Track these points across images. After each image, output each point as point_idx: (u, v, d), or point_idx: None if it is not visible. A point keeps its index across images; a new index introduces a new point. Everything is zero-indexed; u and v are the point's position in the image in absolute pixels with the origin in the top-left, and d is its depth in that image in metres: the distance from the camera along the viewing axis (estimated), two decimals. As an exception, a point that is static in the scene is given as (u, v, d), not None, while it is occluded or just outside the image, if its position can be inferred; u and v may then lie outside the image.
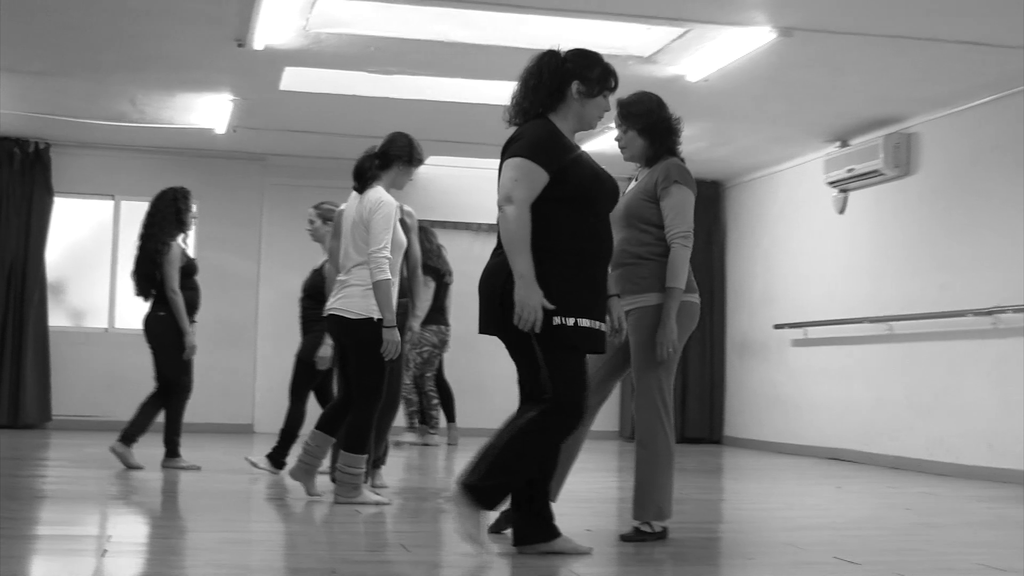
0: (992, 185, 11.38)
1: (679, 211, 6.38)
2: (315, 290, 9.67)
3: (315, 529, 6.82)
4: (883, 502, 9.21)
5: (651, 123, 6.55)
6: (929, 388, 12.06)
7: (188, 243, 10.61)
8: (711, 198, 16.54)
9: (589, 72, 5.83)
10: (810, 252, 14.36)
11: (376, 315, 7.43)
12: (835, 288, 13.62)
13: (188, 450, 10.24)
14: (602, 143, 13.99)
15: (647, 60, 10.55)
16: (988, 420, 11.19)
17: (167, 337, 9.91)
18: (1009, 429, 10.90)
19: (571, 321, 5.54)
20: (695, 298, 6.50)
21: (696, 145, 14.28)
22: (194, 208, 10.29)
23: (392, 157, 7.73)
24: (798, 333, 14.19)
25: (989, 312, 11.09)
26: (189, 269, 10.14)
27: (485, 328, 5.77)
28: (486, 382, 16.13)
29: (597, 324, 5.67)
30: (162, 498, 8.41)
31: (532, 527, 5.76)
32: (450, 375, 15.35)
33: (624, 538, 6.35)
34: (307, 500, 7.75)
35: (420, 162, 7.94)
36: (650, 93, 6.64)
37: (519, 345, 5.62)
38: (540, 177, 5.57)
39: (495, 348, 15.74)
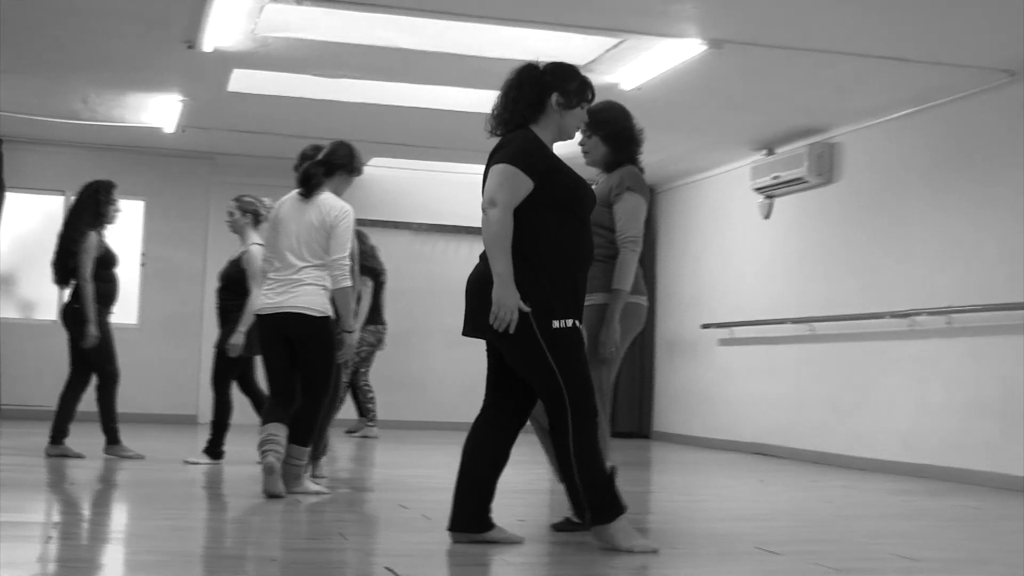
0: (910, 194, 11.48)
1: (630, 216, 6.42)
2: (232, 281, 9.61)
3: (256, 518, 6.78)
4: (804, 495, 9.26)
5: (615, 131, 6.59)
6: (849, 387, 12.16)
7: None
8: (643, 202, 16.60)
9: (568, 84, 5.87)
10: (737, 255, 14.44)
11: (332, 314, 7.47)
12: (760, 290, 13.70)
13: (133, 440, 10.18)
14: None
15: (584, 68, 10.50)
16: (905, 418, 11.29)
17: (86, 327, 9.80)
18: (925, 427, 11.01)
19: (569, 323, 5.60)
20: (642, 300, 6.56)
21: (629, 151, 14.32)
22: (117, 202, 10.11)
23: (336, 166, 7.76)
24: (725, 333, 14.26)
25: (906, 314, 11.18)
26: (107, 260, 9.98)
27: (478, 331, 5.75)
28: (422, 377, 16.17)
29: (580, 325, 5.72)
30: (106, 487, 8.34)
31: (469, 516, 5.77)
32: (387, 371, 15.37)
33: (556, 527, 6.38)
34: (249, 490, 7.72)
35: (360, 172, 7.98)
36: (618, 103, 6.68)
37: (532, 353, 5.60)
38: (524, 183, 5.60)
39: (429, 345, 15.69)
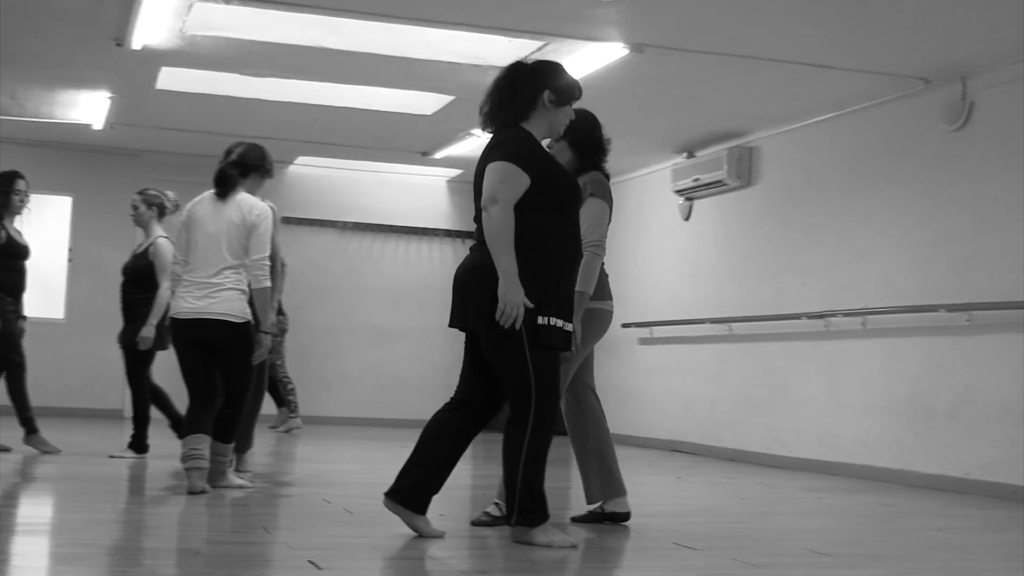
0: (826, 197, 11.56)
1: (594, 221, 6.42)
2: (139, 274, 9.51)
3: (179, 511, 6.71)
4: (720, 492, 9.30)
5: (582, 138, 6.58)
6: (765, 385, 12.23)
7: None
8: (566, 203, 16.65)
9: (558, 82, 5.88)
10: (657, 256, 14.48)
11: (251, 318, 7.39)
12: (679, 290, 13.75)
13: (60, 435, 10.07)
14: (462, 148, 14.01)
15: (508, 71, 10.56)
16: (819, 416, 11.37)
17: None
18: (838, 425, 11.09)
19: (556, 322, 5.61)
20: (607, 305, 6.61)
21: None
22: (24, 192, 9.92)
23: (250, 167, 7.72)
24: (644, 332, 14.29)
25: (821, 315, 11.26)
26: (11, 251, 9.80)
27: (465, 323, 5.74)
28: (345, 374, 16.12)
29: (570, 325, 5.73)
30: (28, 480, 8.22)
31: (412, 493, 5.80)
32: (310, 367, 15.31)
33: (474, 523, 6.41)
34: (173, 485, 7.65)
35: (271, 174, 7.96)
36: (588, 112, 6.65)
37: (510, 348, 5.58)
38: (523, 180, 5.60)
39: (354, 342, 15.58)
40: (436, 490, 5.87)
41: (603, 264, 6.51)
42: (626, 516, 6.61)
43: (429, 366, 16.36)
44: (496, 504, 6.40)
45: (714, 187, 13.13)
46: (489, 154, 5.72)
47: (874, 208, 10.92)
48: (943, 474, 9.80)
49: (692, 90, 11.10)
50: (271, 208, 7.67)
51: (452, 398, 5.97)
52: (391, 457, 11.20)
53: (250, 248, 7.32)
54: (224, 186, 7.46)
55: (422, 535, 5.75)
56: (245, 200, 7.44)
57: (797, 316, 11.59)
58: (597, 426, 6.68)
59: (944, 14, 8.60)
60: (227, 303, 7.26)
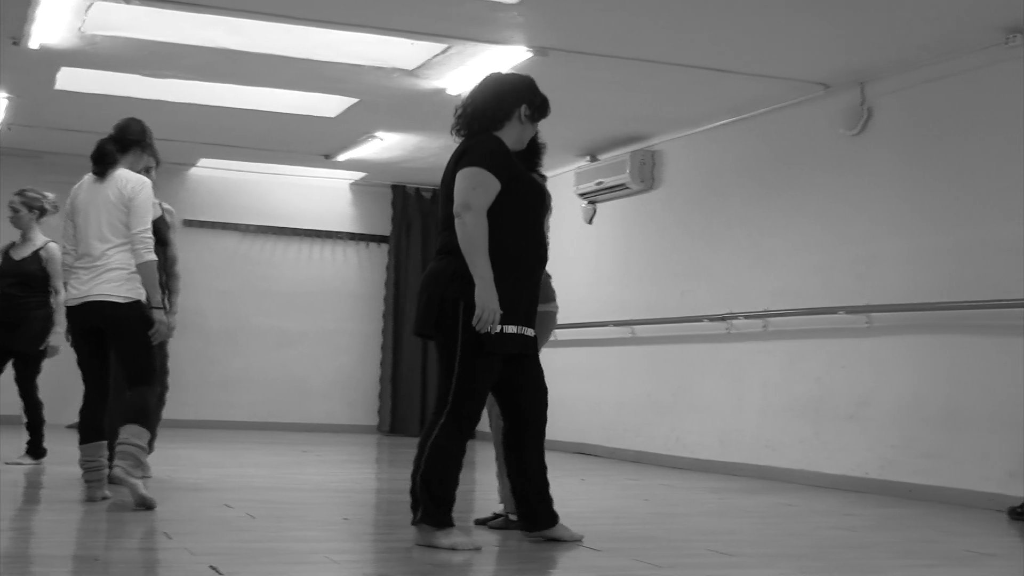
0: (728, 201, 11.65)
1: None
2: (31, 279, 9.37)
3: (78, 518, 6.61)
4: (624, 493, 9.33)
5: None
6: (668, 388, 12.30)
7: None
8: (470, 206, 16.65)
9: (534, 97, 5.98)
10: (561, 259, 14.44)
11: (142, 297, 7.03)
12: (583, 293, 13.79)
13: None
14: (365, 150, 13.96)
15: (411, 73, 10.54)
16: (721, 418, 11.46)
17: None
18: (740, 426, 11.18)
19: (512, 329, 5.65)
20: (552, 307, 6.60)
21: (456, 155, 14.32)
22: None
23: (130, 142, 7.43)
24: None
25: (723, 318, 11.35)
26: None
27: (422, 329, 5.73)
28: (247, 377, 16.00)
29: (529, 330, 5.80)
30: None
31: (534, 516, 5.99)
32: (212, 370, 15.20)
33: (492, 526, 6.52)
34: (71, 491, 7.53)
35: (153, 149, 7.71)
36: None
37: (447, 347, 5.62)
38: (494, 185, 5.62)
39: (256, 345, 15.45)
40: (538, 500, 6.01)
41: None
42: None
43: (332, 369, 16.30)
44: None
45: (617, 191, 13.19)
46: (459, 161, 5.72)
47: (775, 212, 11.02)
48: (843, 474, 9.91)
49: (595, 94, 11.14)
50: (160, 204, 7.44)
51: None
52: (293, 461, 11.17)
53: (130, 222, 7.01)
54: (102, 164, 7.20)
55: (562, 539, 5.98)
56: (120, 175, 7.15)
57: (699, 319, 11.68)
58: None
59: (843, 21, 8.71)
60: (111, 284, 6.96)
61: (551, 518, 6.00)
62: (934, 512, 8.29)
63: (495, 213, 5.63)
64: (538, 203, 5.89)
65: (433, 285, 5.67)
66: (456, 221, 5.59)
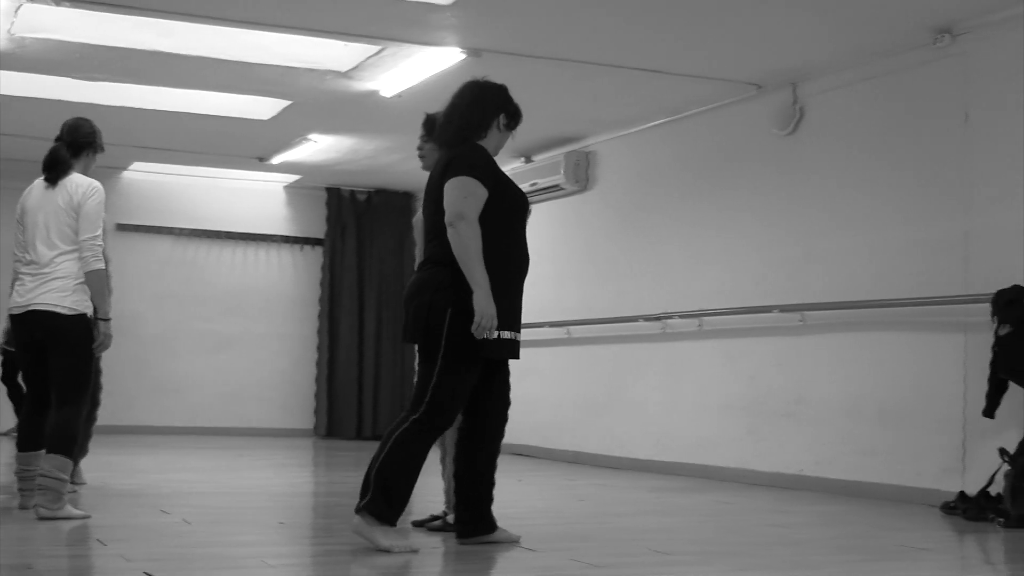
0: (663, 201, 11.69)
1: None
2: None
3: (11, 525, 6.53)
4: (561, 493, 9.34)
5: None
6: (604, 388, 12.32)
7: None
8: (402, 208, 16.68)
9: (510, 107, 6.09)
10: (496, 260, 14.50)
11: (88, 311, 6.76)
12: (519, 294, 13.78)
13: None
14: (299, 153, 13.92)
15: (344, 75, 10.50)
16: (657, 417, 11.49)
17: None
18: (676, 425, 11.22)
19: (507, 334, 5.83)
20: None
21: (390, 158, 14.30)
22: None
23: (82, 145, 7.13)
24: (485, 336, 14.28)
25: (659, 318, 11.38)
26: None
27: (412, 338, 5.78)
28: (182, 382, 15.90)
29: (516, 335, 5.94)
30: None
31: (475, 522, 5.97)
32: (146, 376, 15.08)
33: (430, 528, 6.52)
34: (4, 499, 7.45)
35: (103, 149, 7.41)
36: None
37: (430, 352, 5.69)
38: (483, 194, 5.70)
39: (190, 350, 15.33)
40: (490, 500, 6.05)
41: None
42: None
43: (267, 373, 16.22)
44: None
45: (552, 191, 13.20)
46: (446, 170, 5.75)
47: (710, 211, 11.07)
48: (779, 471, 9.96)
49: (529, 95, 11.04)
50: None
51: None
52: (229, 466, 11.10)
53: (80, 229, 6.75)
54: (55, 170, 6.93)
55: (501, 543, 5.96)
56: (72, 180, 6.89)
57: (635, 319, 11.71)
58: None
59: (776, 22, 8.75)
60: (56, 293, 6.68)
61: (492, 524, 6.00)
62: (869, 508, 8.35)
63: (483, 221, 5.70)
64: (522, 209, 6.00)
65: (422, 293, 5.72)
66: (449, 231, 5.64)
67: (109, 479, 9.20)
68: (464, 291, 5.61)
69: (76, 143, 7.12)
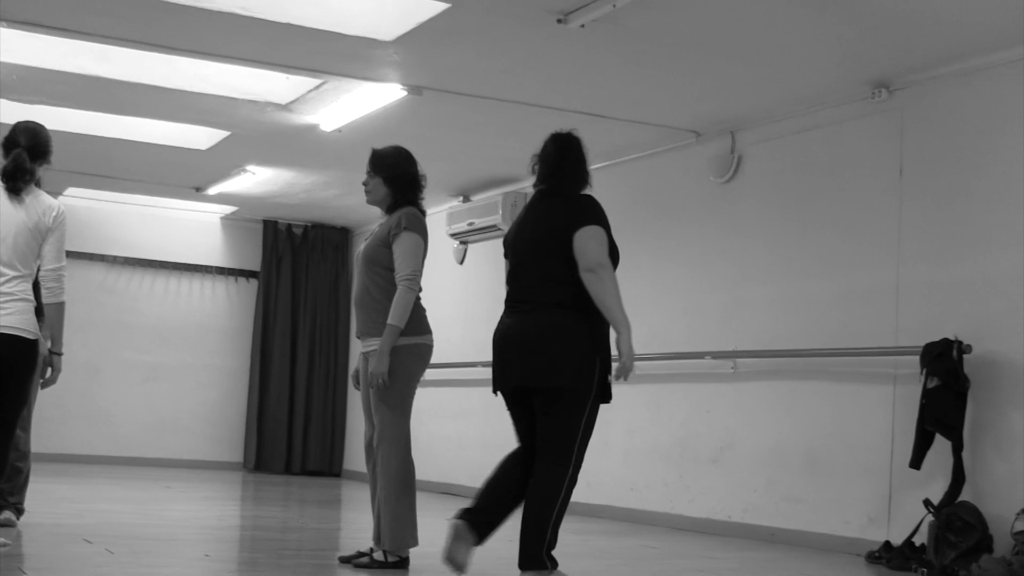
0: (599, 244, 11.71)
1: (407, 255, 6.54)
2: None
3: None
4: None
5: (397, 175, 6.72)
6: (535, 429, 12.29)
7: None
8: (339, 243, 16.66)
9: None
10: (432, 299, 14.35)
11: (40, 337, 6.35)
12: (453, 333, 13.76)
13: None
14: (236, 184, 13.87)
15: (284, 108, 10.48)
16: (586, 460, 11.42)
17: None
18: (605, 468, 11.20)
19: (610, 377, 6.01)
20: (427, 340, 6.69)
21: (328, 193, 14.28)
22: None
23: (41, 153, 6.58)
24: (417, 374, 14.24)
25: (592, 360, 11.38)
26: None
27: (548, 381, 5.85)
28: (111, 411, 15.73)
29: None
30: None
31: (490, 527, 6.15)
32: (75, 404, 14.94)
33: (357, 564, 6.45)
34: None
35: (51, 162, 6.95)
36: (403, 148, 6.81)
37: (578, 401, 5.89)
38: (607, 243, 5.94)
39: (120, 379, 15.13)
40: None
41: (420, 298, 6.57)
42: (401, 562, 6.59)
43: (197, 404, 16.09)
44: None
45: (489, 231, 13.21)
46: (573, 218, 5.90)
47: (644, 256, 11.10)
48: (707, 517, 9.98)
49: (469, 134, 11.17)
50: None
51: (519, 450, 6.20)
52: (153, 497, 11.00)
53: (47, 256, 6.32)
54: (19, 180, 6.35)
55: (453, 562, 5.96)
56: (42, 201, 6.41)
57: (568, 360, 11.69)
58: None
59: (716, 70, 8.82)
60: (19, 316, 6.19)
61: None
62: (795, 556, 8.38)
63: None
64: (618, 259, 6.13)
65: (558, 339, 5.83)
66: (591, 276, 5.80)
67: (33, 508, 9.07)
68: (602, 338, 5.89)
69: (36, 149, 6.53)
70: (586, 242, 5.83)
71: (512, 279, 6.12)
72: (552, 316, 5.87)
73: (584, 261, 5.80)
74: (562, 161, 6.14)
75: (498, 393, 6.15)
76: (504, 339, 6.01)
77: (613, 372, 5.82)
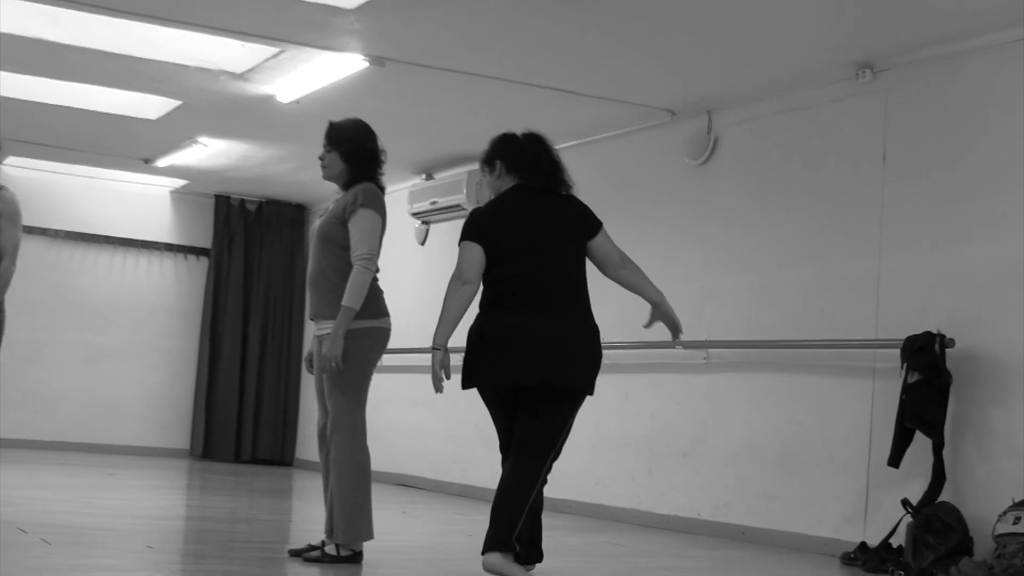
0: (568, 226, 11.71)
1: (363, 234, 6.53)
2: None
3: None
4: (447, 528, 9.32)
5: (354, 149, 6.68)
6: (497, 419, 12.29)
7: None
8: (295, 221, 16.61)
9: None
10: (391, 281, 14.35)
11: None
12: (412, 318, 13.73)
13: None
14: (187, 156, 13.80)
15: (239, 77, 10.43)
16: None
17: None
18: (571, 462, 11.14)
19: None
20: (384, 323, 6.68)
21: (283, 167, 14.24)
22: None
23: None
24: (374, 360, 14.23)
25: (558, 348, 11.38)
26: None
27: (583, 384, 6.36)
28: (51, 395, 15.66)
29: None
30: None
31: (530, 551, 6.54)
32: (13, 386, 14.86)
33: (307, 558, 6.43)
34: None
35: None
36: (362, 122, 6.78)
37: (577, 400, 6.37)
38: None
39: (61, 360, 15.16)
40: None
41: (377, 279, 6.56)
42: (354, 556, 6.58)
43: (143, 388, 16.03)
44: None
45: (452, 211, 13.19)
46: (586, 220, 6.54)
47: (616, 239, 11.04)
48: (675, 514, 10.01)
49: (433, 109, 11.14)
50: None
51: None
52: (97, 485, 10.96)
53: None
54: None
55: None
56: None
57: (533, 348, 11.70)
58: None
59: (693, 48, 8.83)
60: None
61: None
62: (767, 555, 8.42)
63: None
64: None
65: (594, 341, 6.37)
66: (631, 266, 6.68)
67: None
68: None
69: None
70: (608, 241, 6.52)
71: (521, 278, 6.29)
72: (590, 319, 6.36)
73: (615, 258, 6.54)
74: (551, 158, 6.58)
75: (471, 389, 6.34)
76: (521, 338, 6.27)
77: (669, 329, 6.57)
